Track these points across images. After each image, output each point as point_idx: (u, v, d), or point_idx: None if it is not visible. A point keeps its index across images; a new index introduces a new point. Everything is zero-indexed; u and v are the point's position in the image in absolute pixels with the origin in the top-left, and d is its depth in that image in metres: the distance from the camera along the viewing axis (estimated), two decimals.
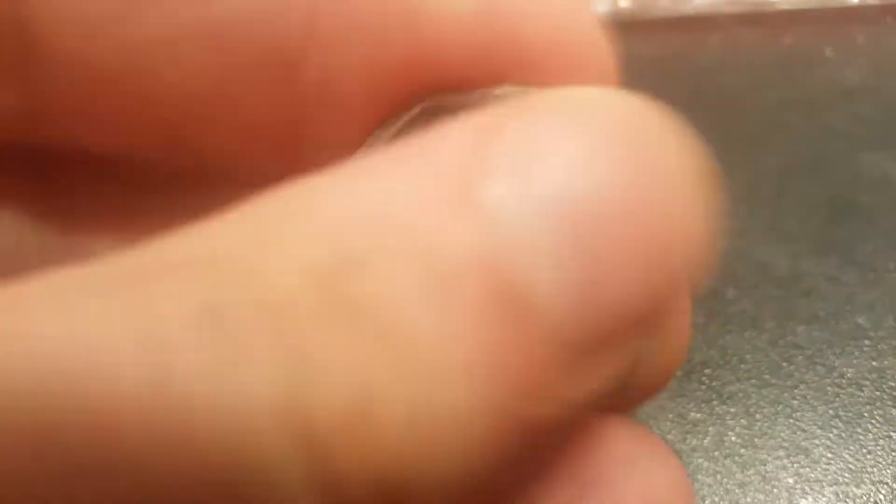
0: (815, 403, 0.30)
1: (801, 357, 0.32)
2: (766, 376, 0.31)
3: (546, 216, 0.12)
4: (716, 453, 0.30)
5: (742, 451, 0.30)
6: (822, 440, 0.30)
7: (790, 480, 0.29)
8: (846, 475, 0.29)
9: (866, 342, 0.32)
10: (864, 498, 0.28)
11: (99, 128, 0.18)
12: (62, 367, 0.10)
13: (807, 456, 0.29)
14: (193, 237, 0.12)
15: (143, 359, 0.11)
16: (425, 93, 0.17)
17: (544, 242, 0.12)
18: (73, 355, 0.11)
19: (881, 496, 0.28)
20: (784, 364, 0.31)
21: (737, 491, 0.29)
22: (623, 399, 0.16)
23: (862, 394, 0.31)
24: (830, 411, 0.30)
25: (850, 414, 0.30)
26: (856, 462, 0.29)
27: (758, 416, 0.30)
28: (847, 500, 0.29)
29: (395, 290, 0.11)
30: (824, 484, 0.29)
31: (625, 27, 0.46)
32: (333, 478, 0.11)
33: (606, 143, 0.12)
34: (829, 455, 0.29)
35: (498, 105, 0.13)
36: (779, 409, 0.30)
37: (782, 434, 0.30)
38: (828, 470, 0.29)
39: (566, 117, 0.13)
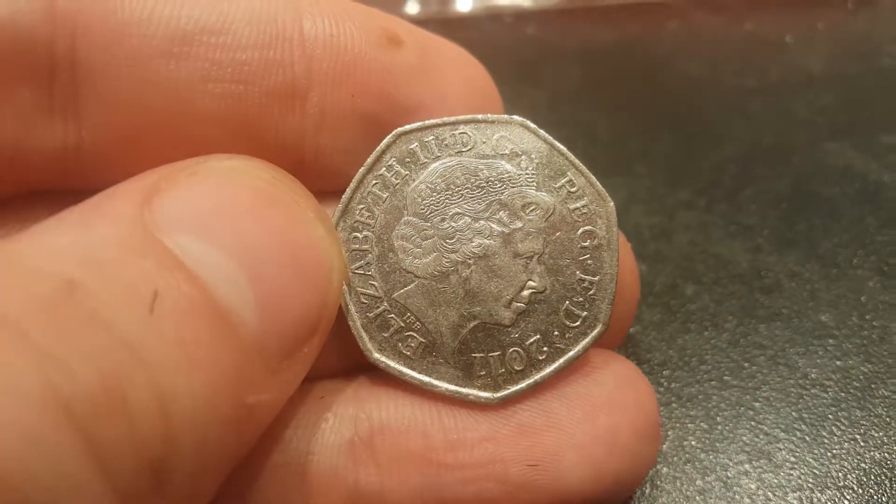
0: (778, 405, 0.29)
1: (762, 357, 0.30)
2: (727, 377, 0.30)
3: (228, 254, 0.18)
4: (675, 458, 0.28)
5: (702, 455, 0.28)
6: (786, 444, 0.28)
7: (752, 486, 0.27)
8: (810, 480, 0.27)
9: (830, 341, 0.31)
10: None
11: (134, 168, 0.20)
12: None
13: (769, 460, 0.28)
14: None
15: None
16: (392, 124, 0.24)
17: (235, 275, 0.18)
18: None
19: (846, 501, 0.27)
20: (745, 364, 0.30)
21: (697, 498, 0.27)
22: None
23: (826, 395, 0.29)
24: (794, 413, 0.29)
25: (814, 416, 0.29)
26: (820, 466, 0.28)
27: (718, 419, 0.29)
28: None
29: (112, 308, 0.16)
30: (788, 490, 0.27)
31: (580, 12, 0.44)
32: (107, 453, 0.15)
33: (258, 199, 0.19)
34: (793, 459, 0.28)
35: (156, 170, 0.19)
36: (740, 411, 0.29)
37: (744, 438, 0.28)
38: (791, 475, 0.28)
39: (217, 180, 0.19)
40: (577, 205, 0.24)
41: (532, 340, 0.23)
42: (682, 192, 0.36)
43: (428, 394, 0.23)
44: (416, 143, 0.24)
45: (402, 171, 0.24)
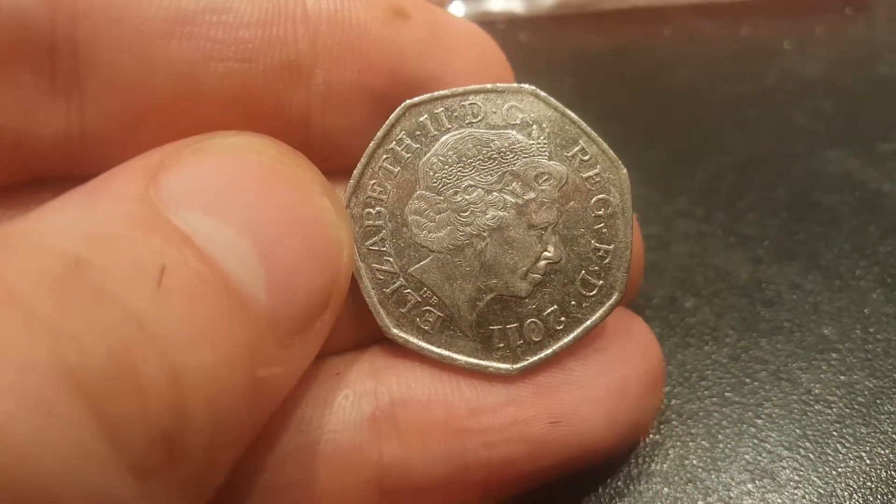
0: (781, 422, 0.28)
1: (764, 372, 0.30)
2: (729, 393, 0.29)
3: (236, 230, 0.18)
4: (676, 478, 0.27)
5: (704, 475, 0.27)
6: (789, 462, 0.27)
7: None
8: (815, 500, 0.27)
9: (834, 355, 0.30)
10: None
11: (139, 152, 0.20)
12: None
13: (773, 480, 0.27)
14: None
15: None
16: (400, 100, 0.23)
17: (244, 251, 0.17)
18: None
19: None
20: (747, 380, 0.29)
21: None
22: None
23: (830, 411, 0.28)
24: (797, 430, 0.28)
25: (818, 433, 0.28)
26: (825, 486, 0.27)
27: (720, 436, 0.28)
28: None
29: (123, 283, 0.16)
30: None
31: (573, 19, 0.44)
32: (118, 426, 0.15)
33: (265, 175, 0.19)
34: (797, 478, 0.27)
35: (160, 149, 0.19)
36: (742, 428, 0.28)
37: (747, 456, 0.28)
38: (795, 495, 0.27)
39: (220, 157, 0.19)
40: (590, 173, 0.24)
41: (549, 311, 0.23)
42: (679, 201, 0.35)
43: (446, 366, 0.23)
44: (426, 116, 0.24)
45: (413, 144, 0.23)
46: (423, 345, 0.23)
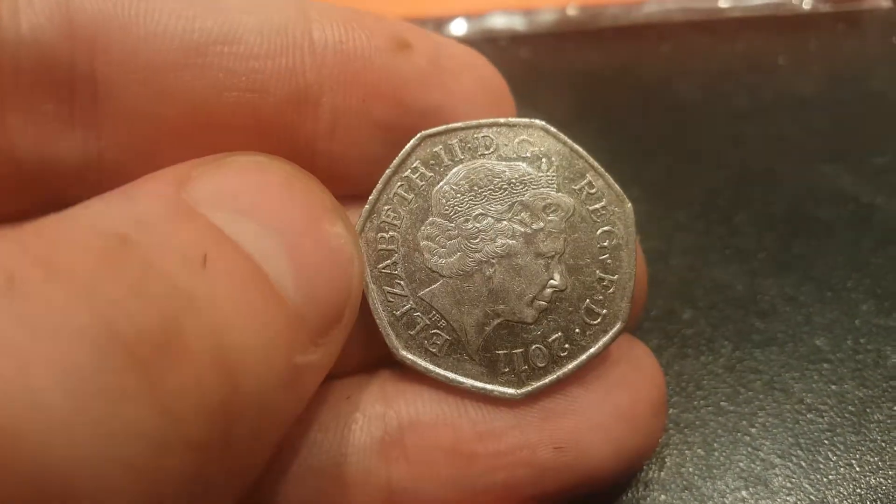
0: (775, 431, 0.29)
1: (758, 382, 0.30)
2: (724, 403, 0.30)
3: (267, 230, 0.19)
4: (672, 486, 0.28)
5: (700, 482, 0.28)
6: (782, 470, 0.28)
7: None
8: None
9: (825, 365, 0.31)
10: None
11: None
12: None
13: (766, 487, 0.28)
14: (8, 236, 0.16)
15: None
16: (405, 128, 0.24)
17: (273, 249, 0.18)
18: None
19: None
20: (741, 390, 0.30)
21: None
22: None
23: (822, 420, 0.29)
24: (790, 439, 0.29)
25: (810, 441, 0.29)
26: (816, 493, 0.28)
27: (715, 445, 0.29)
28: None
29: (169, 261, 0.16)
30: None
31: (573, 36, 0.45)
32: (171, 396, 0.15)
33: (285, 186, 0.20)
34: (789, 485, 0.28)
35: (185, 163, 0.20)
36: (737, 437, 0.29)
37: (741, 464, 0.29)
38: (788, 501, 0.28)
39: (245, 170, 0.20)
40: (597, 206, 0.24)
41: (554, 338, 0.24)
42: (678, 216, 0.36)
43: (453, 389, 0.24)
44: (441, 146, 0.24)
45: (427, 172, 0.24)
46: (431, 367, 0.24)
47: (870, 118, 0.40)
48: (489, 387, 0.24)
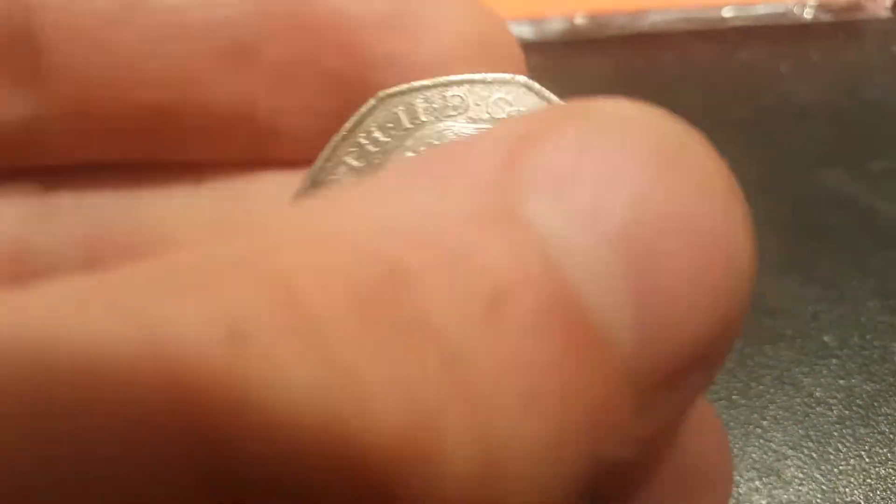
0: (786, 424, 0.30)
1: (769, 377, 0.31)
2: (736, 397, 0.31)
3: (607, 239, 0.12)
4: None
5: None
6: (794, 461, 0.29)
7: (763, 502, 0.28)
8: (818, 496, 0.28)
9: (833, 361, 0.32)
10: None
11: (97, 136, 0.19)
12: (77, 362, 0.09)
13: (779, 477, 0.29)
14: (223, 248, 0.11)
15: (158, 377, 0.09)
16: (360, 82, 0.20)
17: (609, 267, 0.11)
18: (90, 363, 0.09)
19: None
20: (753, 384, 0.31)
21: None
22: None
23: (831, 413, 0.30)
24: (801, 431, 0.30)
25: (821, 434, 0.30)
26: (827, 482, 0.29)
27: (729, 437, 0.30)
28: None
29: (443, 308, 0.11)
30: None
31: (579, 44, 0.46)
32: None
33: (658, 164, 0.12)
34: (801, 476, 0.29)
35: (527, 115, 0.14)
36: (749, 429, 0.30)
37: (753, 455, 0.29)
38: (800, 491, 0.29)
39: (607, 132, 0.12)
40: None
41: None
42: None
43: None
44: (402, 107, 0.20)
45: (383, 138, 0.20)
46: None
47: (870, 125, 0.41)
48: None
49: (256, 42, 0.20)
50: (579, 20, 0.45)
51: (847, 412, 0.30)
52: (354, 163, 0.20)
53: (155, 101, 0.20)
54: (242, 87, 0.20)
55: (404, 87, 0.20)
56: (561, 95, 0.45)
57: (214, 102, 0.20)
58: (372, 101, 0.20)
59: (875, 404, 0.30)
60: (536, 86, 0.20)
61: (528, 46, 0.46)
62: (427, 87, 0.20)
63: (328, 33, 0.20)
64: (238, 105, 0.20)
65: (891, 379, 0.31)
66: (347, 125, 0.20)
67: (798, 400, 0.31)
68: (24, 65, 0.20)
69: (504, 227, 0.12)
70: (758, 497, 0.29)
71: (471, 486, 0.10)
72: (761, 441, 0.30)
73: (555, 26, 0.45)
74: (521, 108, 0.20)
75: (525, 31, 0.45)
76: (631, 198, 0.12)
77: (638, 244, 0.12)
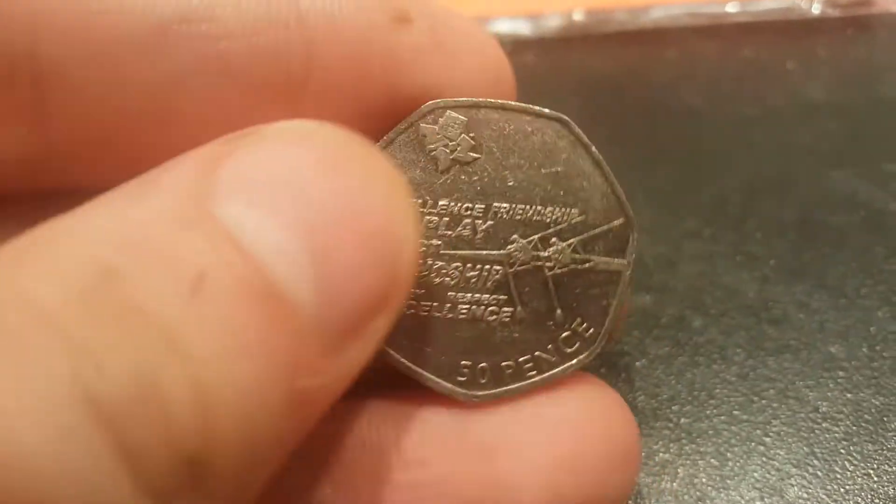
0: (790, 440, 0.29)
1: (772, 390, 0.30)
2: (737, 412, 0.29)
3: (287, 227, 0.16)
4: (686, 497, 0.28)
5: (713, 493, 0.28)
6: (798, 480, 0.28)
7: None
8: None
9: (840, 373, 0.30)
10: None
11: (110, 166, 0.19)
12: None
13: (782, 497, 0.27)
14: None
15: None
16: (395, 114, 0.21)
17: (292, 248, 0.16)
18: None
19: None
20: (755, 398, 0.30)
21: None
22: None
23: (838, 429, 0.29)
24: (805, 448, 0.28)
25: (826, 451, 0.28)
26: (833, 503, 0.27)
27: (729, 454, 0.28)
28: None
29: (151, 294, 0.14)
30: None
31: (579, 41, 0.44)
32: (138, 453, 0.14)
33: (326, 166, 0.17)
34: (805, 496, 0.27)
35: (220, 138, 0.17)
36: (751, 447, 0.29)
37: (755, 474, 0.28)
38: None
39: (284, 145, 0.17)
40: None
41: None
42: (687, 222, 0.36)
43: (389, 400, 0.22)
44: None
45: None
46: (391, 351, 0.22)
47: (881, 123, 0.40)
48: (446, 384, 0.22)
49: (304, 75, 0.20)
50: (577, 16, 0.43)
51: (855, 428, 0.29)
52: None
53: (185, 139, 0.19)
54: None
55: (445, 100, 0.22)
56: (559, 93, 0.43)
57: None
58: (425, 108, 0.22)
59: (884, 419, 0.29)
60: (575, 129, 0.22)
61: (526, 43, 0.45)
62: (462, 100, 0.22)
63: (373, 63, 0.20)
64: None
65: None
66: (404, 125, 0.22)
67: (803, 415, 0.29)
68: (25, 94, 0.19)
69: (201, 225, 0.15)
70: None
71: (190, 420, 0.14)
72: (764, 459, 0.28)
73: (552, 23, 0.44)
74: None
75: (522, 27, 0.44)
76: (304, 193, 0.16)
77: (312, 228, 0.16)
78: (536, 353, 0.23)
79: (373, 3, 0.21)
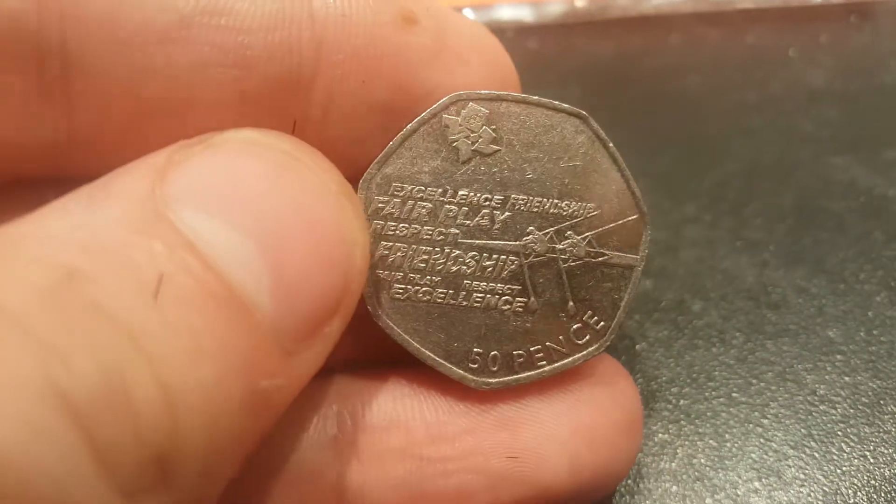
0: (787, 422, 0.29)
1: (770, 373, 0.30)
2: (736, 394, 0.30)
3: (243, 232, 0.17)
4: (684, 476, 0.28)
5: (712, 473, 0.28)
6: (795, 461, 0.28)
7: None
8: (820, 498, 0.27)
9: (838, 357, 0.31)
10: None
11: (131, 155, 0.19)
12: None
13: (779, 478, 0.28)
14: None
15: None
16: (403, 112, 0.22)
17: (248, 253, 0.16)
18: None
19: None
20: (753, 381, 0.30)
21: None
22: None
23: (835, 411, 0.29)
24: (803, 430, 0.29)
25: (823, 433, 0.29)
26: (830, 484, 0.28)
27: (727, 436, 0.29)
28: None
29: (114, 296, 0.15)
30: None
31: (581, 27, 0.45)
32: (108, 449, 0.14)
33: (276, 173, 0.18)
34: (802, 477, 0.28)
35: (171, 146, 0.18)
36: (749, 428, 0.29)
37: (753, 455, 0.28)
38: (801, 493, 0.27)
39: (233, 154, 0.18)
40: None
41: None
42: (687, 208, 0.36)
43: (411, 380, 0.23)
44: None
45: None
46: (406, 336, 0.23)
47: (882, 111, 0.40)
48: (456, 370, 0.23)
49: (313, 71, 0.21)
50: (580, 2, 0.44)
51: (851, 410, 0.29)
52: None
53: (204, 124, 0.20)
54: (295, 113, 0.21)
55: (465, 92, 0.22)
56: (561, 79, 0.44)
57: (267, 128, 0.20)
58: (445, 100, 0.22)
59: (881, 402, 0.29)
60: (594, 124, 0.23)
61: (528, 30, 0.45)
62: (483, 93, 0.23)
63: (382, 66, 0.21)
64: (289, 132, 0.21)
65: None
66: (424, 117, 0.22)
67: (800, 397, 0.30)
68: (53, 80, 0.20)
69: (157, 229, 0.16)
70: (757, 499, 0.27)
71: (157, 419, 0.15)
72: (762, 440, 0.29)
73: (554, 9, 0.44)
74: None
75: (524, 13, 0.44)
76: (256, 201, 0.17)
77: (267, 233, 0.17)
78: (548, 344, 0.23)
79: (380, 4, 0.21)
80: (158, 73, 0.20)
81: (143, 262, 0.16)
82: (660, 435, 0.29)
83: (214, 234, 0.17)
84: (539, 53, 0.44)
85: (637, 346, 0.31)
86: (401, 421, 0.22)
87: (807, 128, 0.39)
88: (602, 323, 0.23)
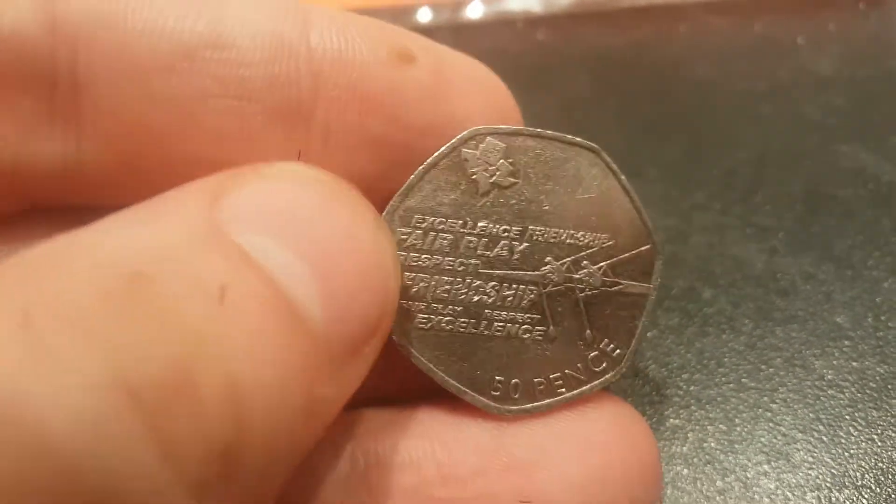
0: (796, 407, 0.29)
1: (779, 359, 0.31)
2: (745, 380, 0.30)
3: (296, 252, 0.18)
4: (695, 460, 0.29)
5: (722, 456, 0.29)
6: (804, 444, 0.29)
7: (771, 486, 0.28)
8: (828, 480, 0.28)
9: (846, 342, 0.31)
10: (847, 503, 0.28)
11: (136, 185, 0.20)
12: None
13: (788, 461, 0.28)
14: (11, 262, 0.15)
15: None
16: (402, 146, 0.23)
17: (301, 271, 0.18)
18: None
19: (864, 500, 0.27)
20: (762, 367, 0.31)
21: (717, 498, 0.28)
22: None
23: (843, 396, 0.30)
24: (811, 414, 0.29)
25: (831, 417, 0.29)
26: (838, 466, 0.28)
27: (737, 420, 0.29)
28: None
29: (179, 300, 0.15)
30: (806, 489, 0.28)
31: (589, 17, 0.45)
32: (174, 441, 0.14)
33: (323, 203, 0.19)
34: (811, 459, 0.28)
35: (219, 173, 0.19)
36: (758, 413, 0.29)
37: (762, 439, 0.29)
38: (809, 475, 0.28)
39: (283, 181, 0.19)
40: None
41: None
42: (696, 196, 0.36)
43: (424, 418, 0.23)
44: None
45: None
46: (430, 365, 0.23)
47: (890, 98, 0.40)
48: (479, 397, 0.23)
49: (311, 104, 0.21)
50: None
51: (859, 395, 0.30)
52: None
53: (204, 155, 0.21)
54: (294, 146, 0.21)
55: (484, 127, 0.23)
56: (570, 69, 0.44)
57: (266, 159, 0.21)
58: (465, 133, 0.23)
59: (888, 387, 0.30)
60: (606, 157, 0.23)
61: (536, 20, 0.45)
62: (501, 128, 0.23)
63: (378, 100, 0.22)
64: (291, 160, 0.21)
65: None
66: (443, 151, 0.23)
67: (809, 382, 0.30)
68: (64, 104, 0.20)
69: (217, 245, 0.17)
70: (766, 481, 0.28)
71: (224, 414, 0.15)
72: (771, 424, 0.29)
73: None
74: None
75: (533, 3, 0.44)
76: (310, 226, 0.18)
77: (318, 256, 0.18)
78: (566, 371, 0.24)
79: (377, 41, 0.22)
80: (162, 101, 0.20)
81: (205, 273, 0.16)
82: (671, 420, 0.30)
83: (269, 251, 0.17)
84: (548, 44, 0.44)
85: (648, 334, 0.32)
86: (413, 460, 0.22)
87: (815, 115, 0.39)
88: (618, 351, 0.24)
